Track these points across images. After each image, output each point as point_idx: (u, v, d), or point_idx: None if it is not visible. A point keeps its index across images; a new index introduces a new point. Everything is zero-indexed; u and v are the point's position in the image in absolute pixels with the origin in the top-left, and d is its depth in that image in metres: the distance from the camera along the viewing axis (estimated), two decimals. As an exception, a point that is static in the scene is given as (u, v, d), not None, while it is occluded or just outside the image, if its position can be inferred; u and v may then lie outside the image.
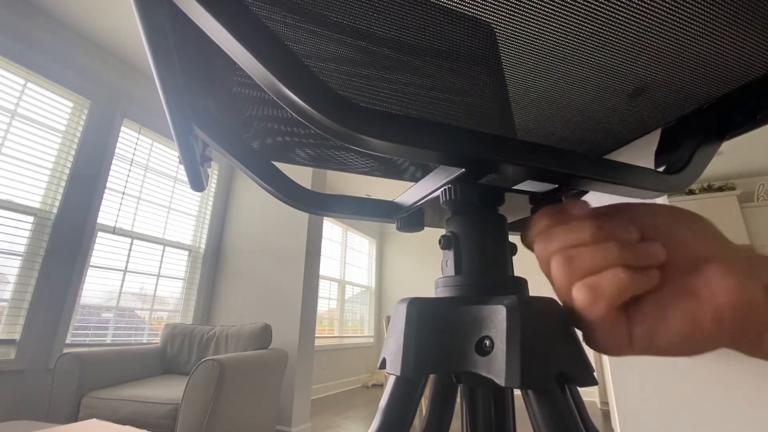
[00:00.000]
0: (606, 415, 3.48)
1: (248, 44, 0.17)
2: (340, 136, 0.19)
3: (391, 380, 0.25)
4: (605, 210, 0.25)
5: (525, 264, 0.43)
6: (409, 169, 0.48)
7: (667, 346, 0.20)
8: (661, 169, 0.34)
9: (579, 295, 0.21)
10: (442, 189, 0.25)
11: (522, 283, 0.26)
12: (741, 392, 1.88)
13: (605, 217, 0.23)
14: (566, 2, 0.22)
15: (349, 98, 0.18)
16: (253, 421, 2.06)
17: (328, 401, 3.86)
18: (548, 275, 0.24)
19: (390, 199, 0.39)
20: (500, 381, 0.19)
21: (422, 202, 0.31)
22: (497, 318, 0.21)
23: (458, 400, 0.30)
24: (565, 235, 0.23)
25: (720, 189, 3.99)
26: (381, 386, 4.60)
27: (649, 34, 0.25)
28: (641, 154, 0.40)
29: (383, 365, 0.25)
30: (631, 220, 0.23)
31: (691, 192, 4.05)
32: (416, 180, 0.46)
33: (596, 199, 0.41)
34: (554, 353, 0.20)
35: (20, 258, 2.09)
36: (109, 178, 2.57)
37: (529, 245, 0.27)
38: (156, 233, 2.88)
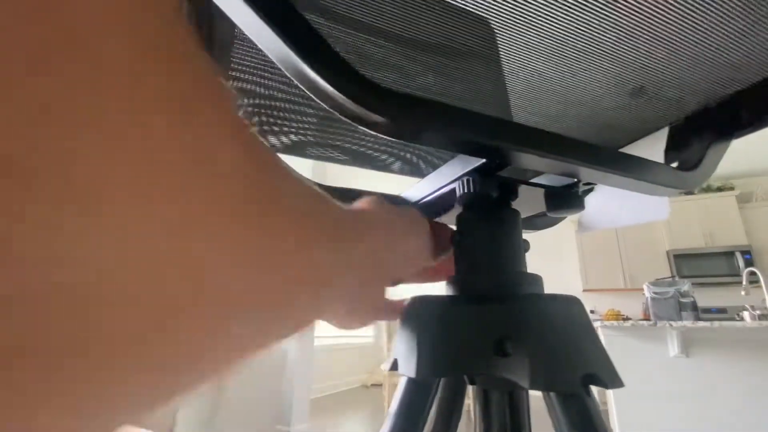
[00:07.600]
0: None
1: (278, 29, 0.16)
2: (363, 120, 0.17)
3: (403, 382, 0.24)
4: None
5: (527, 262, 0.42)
6: (401, 164, 0.46)
7: None
8: (674, 165, 0.34)
9: None
10: (460, 180, 0.24)
11: (539, 280, 0.25)
12: (739, 393, 1.89)
13: None
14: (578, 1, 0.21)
15: (378, 83, 0.17)
16: (253, 420, 2.05)
17: (327, 401, 3.85)
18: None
19: (396, 194, 0.38)
20: (524, 383, 0.18)
21: (433, 195, 0.30)
22: (518, 316, 0.20)
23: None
24: None
25: (719, 189, 3.99)
26: (380, 386, 4.60)
27: (661, 31, 0.24)
28: (648, 152, 0.39)
29: (394, 367, 0.24)
30: None
31: (690, 192, 4.05)
32: (405, 174, 0.45)
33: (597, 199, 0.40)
34: (580, 353, 0.19)
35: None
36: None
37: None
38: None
